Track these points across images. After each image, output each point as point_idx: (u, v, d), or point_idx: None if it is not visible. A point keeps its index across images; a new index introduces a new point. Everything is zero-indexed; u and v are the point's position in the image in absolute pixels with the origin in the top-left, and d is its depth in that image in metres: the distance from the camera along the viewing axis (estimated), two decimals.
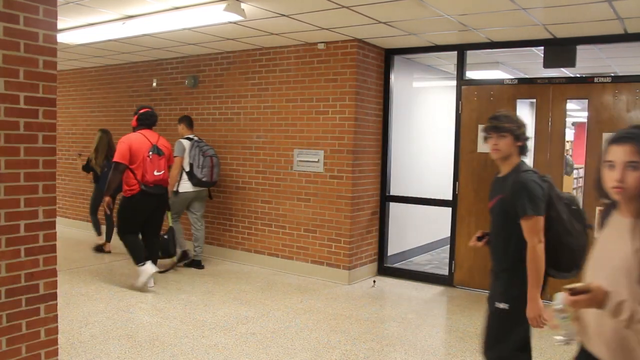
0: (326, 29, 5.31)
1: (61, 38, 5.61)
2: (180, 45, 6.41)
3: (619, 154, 1.69)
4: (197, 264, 6.32)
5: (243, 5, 4.48)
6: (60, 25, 5.12)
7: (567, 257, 2.55)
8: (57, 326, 3.13)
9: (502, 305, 2.63)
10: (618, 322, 1.58)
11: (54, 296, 3.09)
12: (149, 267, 5.27)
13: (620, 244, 1.70)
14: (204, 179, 6.03)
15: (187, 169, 6.01)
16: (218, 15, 4.56)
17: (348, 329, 4.46)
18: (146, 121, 5.48)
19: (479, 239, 2.87)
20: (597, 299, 1.60)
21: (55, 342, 3.13)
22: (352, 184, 5.82)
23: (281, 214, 6.32)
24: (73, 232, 7.44)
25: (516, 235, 2.58)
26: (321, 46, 5.91)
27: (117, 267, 6.04)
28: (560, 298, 1.60)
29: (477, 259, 5.77)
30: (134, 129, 5.49)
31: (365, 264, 6.16)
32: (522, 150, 2.68)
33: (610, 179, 1.70)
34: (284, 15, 4.82)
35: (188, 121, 6.36)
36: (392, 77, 6.27)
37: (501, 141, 2.64)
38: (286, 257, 6.31)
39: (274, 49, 6.28)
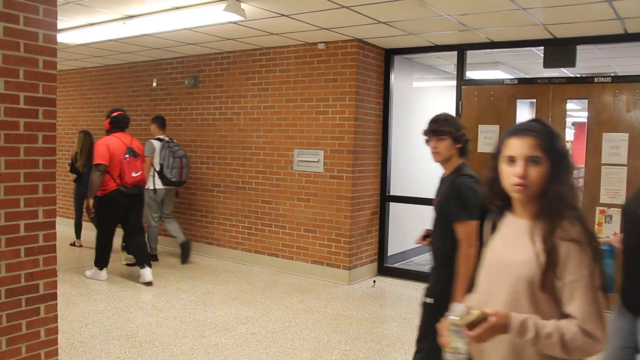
0: (326, 29, 5.31)
1: (61, 38, 5.61)
2: (180, 45, 6.41)
3: (520, 147, 1.53)
4: (184, 247, 6.44)
5: (243, 5, 4.48)
6: (60, 25, 5.11)
7: None
8: (57, 326, 3.13)
9: (427, 300, 2.71)
10: (525, 342, 1.47)
11: (54, 296, 3.09)
12: (103, 275, 5.63)
13: (518, 248, 1.55)
14: (173, 179, 6.23)
15: (157, 168, 6.22)
16: (218, 15, 4.56)
17: (348, 329, 4.46)
18: (119, 124, 5.58)
19: (425, 237, 2.90)
20: (498, 325, 1.44)
21: (55, 342, 3.13)
22: (352, 184, 5.82)
23: (281, 214, 6.32)
24: (73, 232, 7.44)
25: (450, 236, 2.62)
26: (321, 46, 5.91)
27: (117, 267, 6.04)
28: (459, 310, 1.46)
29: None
30: (107, 132, 5.60)
31: (365, 264, 6.16)
32: (463, 152, 2.72)
33: (511, 174, 1.53)
34: (284, 15, 4.82)
35: (160, 122, 6.48)
36: (392, 77, 6.27)
37: (440, 144, 2.68)
38: (286, 257, 6.31)
39: (274, 49, 6.28)
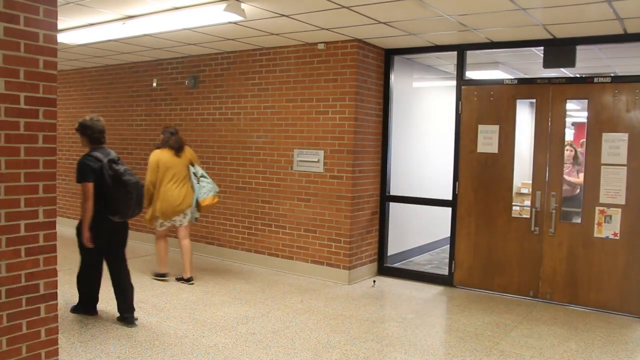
0: (326, 29, 5.32)
1: (61, 38, 5.61)
2: (180, 45, 6.42)
3: None
4: None
5: (243, 6, 4.48)
6: (60, 25, 5.12)
7: (113, 207, 4.18)
8: (57, 326, 3.14)
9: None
10: None
11: (54, 296, 3.09)
12: None
13: None
14: None
15: None
16: (218, 15, 4.56)
17: (348, 329, 4.46)
18: None
19: None
20: None
21: (55, 342, 3.13)
22: (352, 184, 5.83)
23: (281, 214, 6.33)
24: (73, 232, 7.44)
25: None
26: (321, 46, 5.91)
27: None
28: None
29: (477, 259, 5.77)
30: None
31: (365, 264, 6.16)
32: (92, 141, 4.28)
33: None
34: (284, 16, 4.82)
35: None
36: (392, 77, 6.27)
37: (80, 138, 4.35)
38: (286, 257, 6.31)
39: (274, 49, 6.29)
